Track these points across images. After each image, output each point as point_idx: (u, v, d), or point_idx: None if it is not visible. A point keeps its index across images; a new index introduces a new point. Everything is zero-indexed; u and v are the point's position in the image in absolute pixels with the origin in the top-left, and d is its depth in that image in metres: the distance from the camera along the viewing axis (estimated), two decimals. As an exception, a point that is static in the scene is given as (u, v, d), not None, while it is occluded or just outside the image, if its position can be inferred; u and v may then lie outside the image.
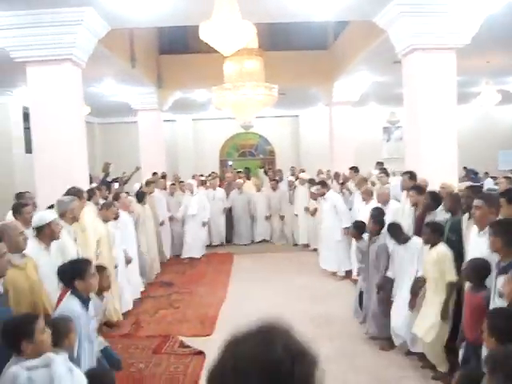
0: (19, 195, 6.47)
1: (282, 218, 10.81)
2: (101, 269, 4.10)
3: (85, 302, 3.33)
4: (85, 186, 6.65)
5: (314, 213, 9.18)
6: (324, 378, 0.92)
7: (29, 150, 10.34)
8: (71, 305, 3.24)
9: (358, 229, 5.54)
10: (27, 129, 10.13)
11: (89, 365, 3.31)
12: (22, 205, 4.69)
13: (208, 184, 11.27)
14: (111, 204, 6.11)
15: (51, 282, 3.77)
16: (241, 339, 0.91)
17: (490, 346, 2.61)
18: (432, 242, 4.26)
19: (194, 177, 11.53)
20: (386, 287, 4.92)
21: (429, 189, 5.53)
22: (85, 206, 5.38)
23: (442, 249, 4.20)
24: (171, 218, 9.75)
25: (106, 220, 5.85)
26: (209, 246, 10.58)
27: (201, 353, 4.96)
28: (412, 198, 5.45)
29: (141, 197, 7.98)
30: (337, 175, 10.46)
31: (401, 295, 4.76)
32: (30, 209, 4.66)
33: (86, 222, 5.26)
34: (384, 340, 4.98)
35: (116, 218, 6.29)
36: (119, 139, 16.85)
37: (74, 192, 5.10)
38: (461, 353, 3.67)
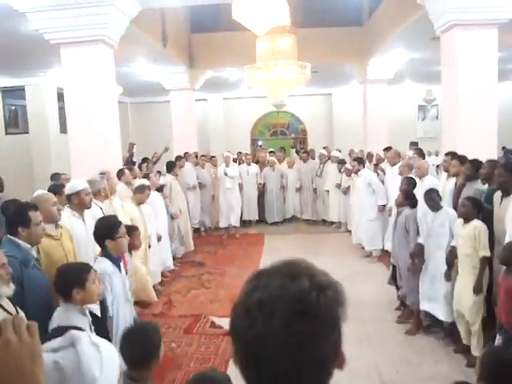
0: (55, 176, 6.60)
1: (314, 190, 10.80)
2: (132, 228, 4.24)
3: (115, 262, 3.42)
4: (118, 165, 6.75)
5: (346, 191, 9.09)
6: (346, 311, 0.89)
7: (63, 129, 10.52)
8: (102, 265, 3.35)
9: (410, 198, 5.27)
10: (61, 109, 10.29)
11: (127, 323, 3.42)
12: (60, 186, 4.82)
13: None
14: (145, 187, 6.17)
15: (86, 250, 3.88)
16: (265, 273, 0.90)
17: None
18: (470, 217, 4.15)
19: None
20: (419, 254, 4.82)
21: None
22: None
23: (478, 224, 4.10)
24: (201, 185, 10.04)
25: (139, 203, 5.92)
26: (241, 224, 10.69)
27: (232, 333, 5.00)
28: (454, 168, 5.35)
29: (170, 167, 8.22)
30: (370, 155, 10.28)
31: (430, 264, 4.70)
32: None
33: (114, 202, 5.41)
34: (411, 322, 4.94)
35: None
36: (151, 119, 16.95)
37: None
38: (497, 339, 3.59)
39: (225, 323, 5.31)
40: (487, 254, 4.02)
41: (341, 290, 0.90)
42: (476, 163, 4.99)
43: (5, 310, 2.51)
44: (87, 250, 3.99)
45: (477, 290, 4.05)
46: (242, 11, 4.61)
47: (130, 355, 2.36)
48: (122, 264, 3.57)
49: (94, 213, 4.45)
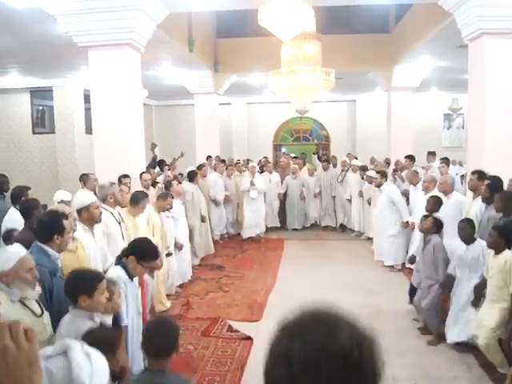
0: (84, 176, 6.69)
1: (333, 198, 10.75)
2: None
3: (130, 274, 3.42)
4: (141, 166, 6.83)
5: (369, 201, 8.99)
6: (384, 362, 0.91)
7: (88, 130, 10.69)
8: (117, 272, 3.36)
9: (437, 225, 5.04)
10: (87, 110, 10.46)
11: (137, 336, 3.43)
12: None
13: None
14: (167, 195, 6.12)
15: (96, 263, 3.90)
16: (301, 325, 0.90)
17: None
18: (498, 248, 3.95)
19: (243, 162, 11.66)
20: (449, 285, 4.72)
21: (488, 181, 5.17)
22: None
23: (510, 256, 3.88)
24: (226, 199, 9.96)
25: (161, 210, 5.94)
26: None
27: (249, 338, 4.99)
28: (471, 182, 5.17)
29: (192, 176, 8.19)
30: (386, 161, 10.20)
31: (461, 294, 4.56)
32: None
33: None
34: (433, 335, 4.86)
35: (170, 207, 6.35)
36: (175, 121, 17.12)
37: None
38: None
39: (242, 327, 5.32)
40: None
41: (378, 341, 0.92)
42: (494, 187, 4.76)
43: (32, 312, 2.56)
44: (97, 263, 4.01)
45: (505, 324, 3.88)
46: (268, 17, 4.63)
47: (155, 347, 2.48)
48: (136, 280, 3.55)
49: (104, 219, 4.43)
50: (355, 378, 0.84)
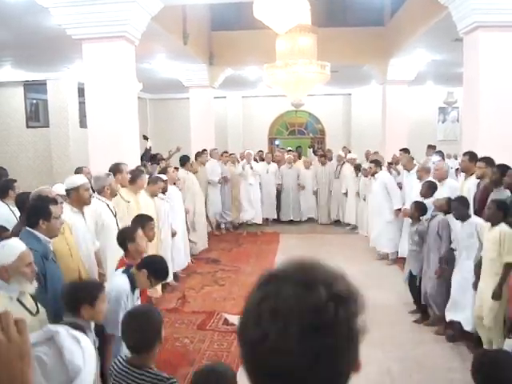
0: (78, 170, 6.68)
1: (330, 192, 10.80)
2: (145, 219, 4.28)
3: (133, 283, 3.35)
4: (136, 160, 6.81)
5: (365, 198, 9.01)
6: (366, 324, 0.84)
7: (83, 124, 10.64)
8: (122, 280, 3.31)
9: (419, 210, 5.28)
10: (82, 104, 10.40)
11: None
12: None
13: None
14: (157, 179, 6.23)
15: (86, 245, 3.90)
16: (278, 277, 0.83)
17: None
18: (495, 220, 4.05)
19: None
20: (450, 260, 4.79)
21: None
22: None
23: (504, 228, 3.99)
24: (225, 179, 10.06)
25: (152, 195, 5.97)
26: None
27: (245, 331, 5.00)
28: (480, 169, 5.18)
29: (183, 161, 8.27)
30: (394, 158, 10.18)
31: (459, 274, 4.65)
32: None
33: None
34: (440, 324, 4.91)
35: (164, 191, 6.42)
36: (170, 115, 17.06)
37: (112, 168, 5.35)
38: (506, 342, 3.54)
39: (238, 321, 5.31)
40: (511, 259, 3.91)
41: (361, 299, 0.84)
42: (503, 168, 4.84)
43: (26, 308, 2.55)
44: (87, 244, 4.01)
45: (496, 295, 3.96)
46: (263, 10, 4.60)
47: (132, 340, 2.38)
48: (137, 292, 3.46)
49: (99, 210, 4.46)
50: (326, 339, 0.77)
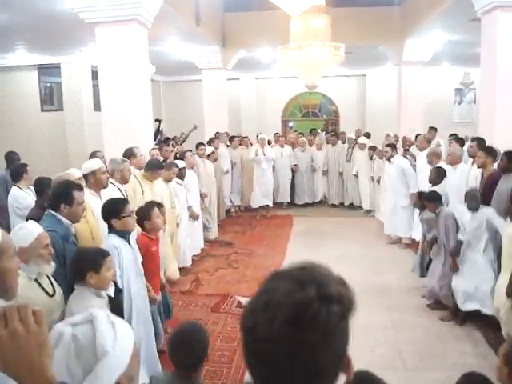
0: (93, 154, 6.73)
1: (340, 174, 10.78)
2: (158, 205, 4.34)
3: (124, 236, 3.48)
4: (150, 142, 6.85)
5: (379, 180, 8.95)
6: (350, 329, 0.89)
7: (97, 107, 10.66)
8: (109, 240, 3.42)
9: (430, 199, 5.13)
10: (95, 87, 10.42)
11: (139, 300, 3.53)
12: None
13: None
14: (171, 165, 6.24)
15: (103, 228, 3.97)
16: (279, 276, 0.91)
17: None
18: None
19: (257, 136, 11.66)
20: (457, 251, 4.76)
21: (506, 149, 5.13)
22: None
23: None
24: (233, 165, 10.21)
25: (167, 180, 6.00)
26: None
27: (258, 314, 5.05)
28: (480, 159, 5.12)
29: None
30: (405, 140, 10.05)
31: (465, 265, 4.64)
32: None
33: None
34: (444, 310, 4.90)
35: (182, 177, 6.46)
36: (183, 97, 17.01)
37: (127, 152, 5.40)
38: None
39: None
40: None
41: (350, 303, 0.89)
42: (511, 155, 4.75)
43: (43, 289, 2.62)
44: (104, 227, 4.10)
45: (508, 292, 3.82)
46: (276, -8, 4.55)
47: (180, 361, 2.33)
48: (131, 238, 3.61)
49: (111, 193, 4.50)
50: (306, 333, 0.82)
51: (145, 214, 4.03)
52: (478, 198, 4.56)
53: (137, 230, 3.99)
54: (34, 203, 4.70)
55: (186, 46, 10.71)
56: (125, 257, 3.40)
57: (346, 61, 8.92)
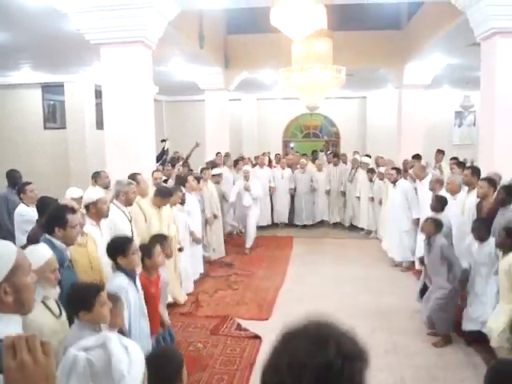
0: (96, 174, 6.76)
1: (342, 194, 10.77)
2: (163, 238, 4.36)
3: (131, 276, 3.45)
4: (152, 162, 6.87)
5: (380, 202, 8.96)
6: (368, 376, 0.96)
7: (99, 126, 10.73)
8: (118, 280, 3.39)
9: (436, 226, 5.05)
10: (98, 105, 10.50)
11: (145, 338, 3.47)
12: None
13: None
14: (177, 189, 6.25)
15: (104, 258, 3.95)
16: (296, 336, 0.96)
17: None
18: (505, 248, 3.99)
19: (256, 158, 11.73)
20: (466, 279, 4.76)
21: (504, 182, 5.19)
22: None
23: None
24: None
25: (172, 204, 5.99)
26: (271, 226, 10.93)
27: (257, 337, 5.02)
28: (482, 189, 5.06)
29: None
30: (405, 163, 10.07)
31: (472, 292, 4.64)
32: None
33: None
34: (439, 336, 4.87)
35: (182, 202, 6.43)
36: (185, 117, 17.15)
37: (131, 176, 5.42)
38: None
39: (251, 326, 5.34)
40: None
41: (366, 358, 0.95)
42: (509, 188, 4.77)
43: (50, 310, 2.63)
44: (104, 258, 4.04)
45: (510, 329, 3.85)
46: (281, 18, 4.61)
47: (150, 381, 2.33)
48: (137, 278, 3.58)
49: (114, 217, 4.51)
50: None
51: (147, 252, 3.85)
52: (486, 229, 4.51)
53: None
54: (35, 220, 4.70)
55: (189, 67, 10.83)
56: (132, 298, 3.37)
57: (347, 83, 9.02)
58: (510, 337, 3.90)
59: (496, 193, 4.94)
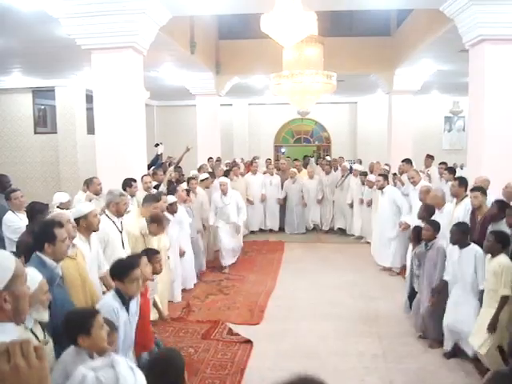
0: (89, 181, 6.71)
1: (333, 202, 10.77)
2: (153, 252, 4.31)
3: (125, 302, 3.34)
4: (143, 167, 6.87)
5: (369, 203, 9.02)
6: None
7: (90, 131, 10.71)
8: (109, 302, 3.27)
9: (418, 234, 5.20)
10: (89, 110, 10.48)
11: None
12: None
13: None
14: (161, 193, 6.07)
15: (92, 273, 3.89)
16: None
17: None
18: (494, 252, 4.07)
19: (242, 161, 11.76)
20: (443, 291, 4.77)
21: (496, 197, 5.09)
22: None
23: (503, 260, 4.01)
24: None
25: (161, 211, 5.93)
26: (262, 231, 10.96)
27: (248, 341, 5.02)
28: (476, 199, 5.02)
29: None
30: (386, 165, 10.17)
31: (455, 295, 4.62)
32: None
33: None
34: (433, 339, 4.90)
35: (173, 212, 6.32)
36: (177, 122, 17.16)
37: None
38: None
39: (242, 330, 5.34)
40: (507, 292, 3.90)
41: None
42: (502, 203, 4.77)
43: (36, 337, 2.54)
44: (93, 272, 3.98)
45: (490, 327, 3.93)
46: (271, 24, 4.65)
47: None
48: (132, 304, 3.43)
49: (106, 228, 4.44)
50: None
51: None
52: (462, 233, 4.50)
53: None
54: (25, 227, 4.66)
55: (181, 73, 10.87)
56: (120, 324, 3.22)
57: (337, 88, 9.09)
58: (496, 340, 3.95)
59: (490, 207, 4.94)
